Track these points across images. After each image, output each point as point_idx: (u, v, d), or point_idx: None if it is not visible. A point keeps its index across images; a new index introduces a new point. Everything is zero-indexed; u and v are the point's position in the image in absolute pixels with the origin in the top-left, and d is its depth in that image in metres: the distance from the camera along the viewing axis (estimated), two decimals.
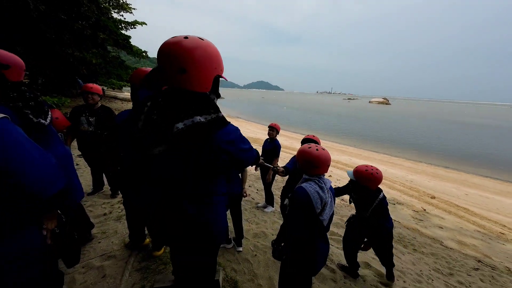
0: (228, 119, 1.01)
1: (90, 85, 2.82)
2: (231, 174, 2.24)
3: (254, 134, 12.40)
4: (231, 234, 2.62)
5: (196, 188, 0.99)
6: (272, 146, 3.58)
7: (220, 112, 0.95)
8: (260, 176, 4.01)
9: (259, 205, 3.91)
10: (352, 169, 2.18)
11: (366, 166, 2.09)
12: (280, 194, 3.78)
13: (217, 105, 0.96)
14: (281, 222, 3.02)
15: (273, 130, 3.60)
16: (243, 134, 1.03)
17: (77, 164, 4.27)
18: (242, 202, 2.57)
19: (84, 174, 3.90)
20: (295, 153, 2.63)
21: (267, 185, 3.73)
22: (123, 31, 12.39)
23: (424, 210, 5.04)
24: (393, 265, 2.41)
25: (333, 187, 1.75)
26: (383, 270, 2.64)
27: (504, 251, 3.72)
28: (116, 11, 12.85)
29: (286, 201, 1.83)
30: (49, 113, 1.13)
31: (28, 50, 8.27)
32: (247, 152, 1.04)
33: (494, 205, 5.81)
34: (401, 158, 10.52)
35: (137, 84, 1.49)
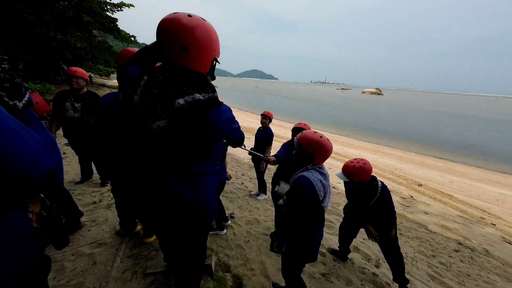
0: None
1: (74, 68, 2.69)
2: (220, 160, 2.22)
3: (247, 123, 12.33)
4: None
5: (188, 168, 1.00)
6: (264, 135, 3.56)
7: (216, 92, 0.97)
8: (253, 165, 4.03)
9: (252, 193, 3.94)
10: (342, 163, 2.14)
11: (351, 161, 2.01)
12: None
13: (213, 85, 0.98)
14: (273, 209, 3.07)
15: (266, 118, 3.58)
16: None
17: (64, 153, 4.14)
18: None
19: (72, 162, 3.79)
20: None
21: (260, 174, 3.75)
22: (108, 13, 11.69)
23: (411, 197, 5.23)
24: (407, 281, 2.16)
25: None
26: (371, 253, 2.74)
27: (483, 234, 3.94)
28: None
29: (277, 187, 1.84)
30: (27, 95, 1.06)
31: (3, 32, 7.70)
32: (237, 131, 1.09)
33: (477, 191, 6.08)
34: (391, 147, 10.76)
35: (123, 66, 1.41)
